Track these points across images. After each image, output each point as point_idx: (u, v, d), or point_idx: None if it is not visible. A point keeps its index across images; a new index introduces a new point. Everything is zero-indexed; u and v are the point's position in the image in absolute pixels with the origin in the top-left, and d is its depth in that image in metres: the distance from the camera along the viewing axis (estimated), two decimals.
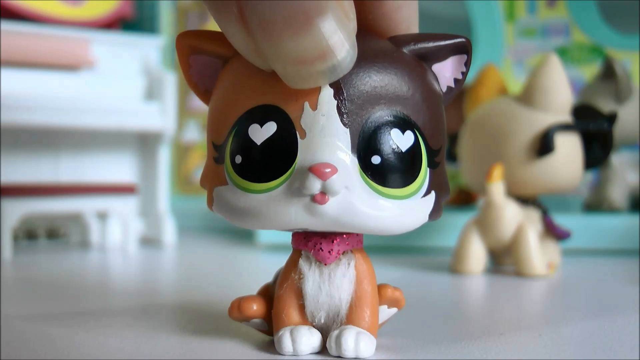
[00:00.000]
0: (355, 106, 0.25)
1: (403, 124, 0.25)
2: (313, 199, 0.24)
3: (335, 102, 0.25)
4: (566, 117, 0.52)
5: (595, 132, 0.52)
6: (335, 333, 0.26)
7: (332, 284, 0.27)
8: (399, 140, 0.25)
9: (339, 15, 0.22)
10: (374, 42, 0.26)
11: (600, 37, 0.89)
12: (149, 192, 0.74)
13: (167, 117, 0.70)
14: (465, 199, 0.82)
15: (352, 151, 0.25)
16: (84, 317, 0.35)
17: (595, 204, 0.71)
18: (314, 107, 0.25)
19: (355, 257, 0.28)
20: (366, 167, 0.25)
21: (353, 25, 0.23)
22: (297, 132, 0.25)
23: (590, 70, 0.87)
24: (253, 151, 0.25)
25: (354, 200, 0.25)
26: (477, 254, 0.51)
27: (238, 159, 0.25)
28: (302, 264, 0.28)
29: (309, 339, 0.27)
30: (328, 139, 0.25)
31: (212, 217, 0.86)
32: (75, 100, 0.65)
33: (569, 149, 0.51)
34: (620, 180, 0.71)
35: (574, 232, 0.55)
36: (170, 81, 0.70)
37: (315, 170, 0.24)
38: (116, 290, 0.46)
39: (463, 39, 0.27)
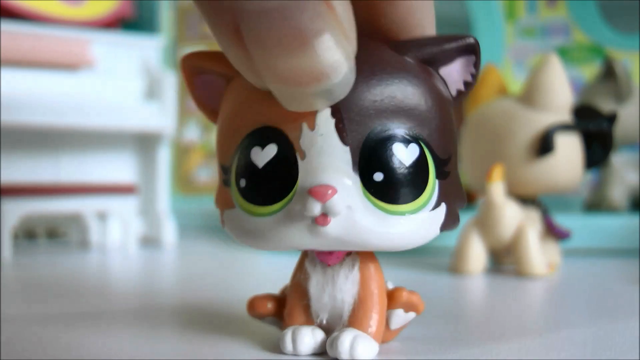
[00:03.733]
0: (354, 123, 0.24)
1: (406, 137, 0.25)
2: (314, 220, 0.24)
3: (333, 120, 0.24)
4: (566, 117, 0.52)
5: (595, 132, 0.52)
6: (334, 335, 0.26)
7: (335, 285, 0.27)
8: (402, 155, 0.24)
9: (338, 36, 0.21)
10: (373, 51, 0.25)
11: (600, 37, 0.89)
12: (149, 192, 0.74)
13: (166, 117, 0.70)
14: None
15: (354, 169, 0.24)
16: (83, 317, 0.35)
17: (595, 204, 0.72)
18: (312, 127, 0.24)
19: (360, 259, 0.27)
20: (369, 184, 0.24)
21: (353, 47, 0.23)
22: (297, 154, 0.24)
23: (590, 70, 0.87)
24: (255, 175, 0.25)
25: (357, 219, 0.24)
26: (477, 254, 0.51)
27: (242, 182, 0.25)
28: (308, 264, 0.28)
29: (310, 339, 0.27)
30: (327, 159, 0.24)
31: (212, 217, 0.86)
32: (75, 100, 0.65)
33: (569, 149, 0.51)
34: (620, 180, 0.71)
35: (574, 232, 0.55)
36: (170, 81, 0.70)
37: (315, 192, 0.24)
38: (116, 291, 0.46)
39: (471, 39, 0.26)
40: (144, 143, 0.75)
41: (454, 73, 0.26)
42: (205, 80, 0.28)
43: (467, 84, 0.27)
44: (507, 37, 0.92)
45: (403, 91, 0.25)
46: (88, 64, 0.68)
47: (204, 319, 0.34)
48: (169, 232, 0.72)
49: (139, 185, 0.74)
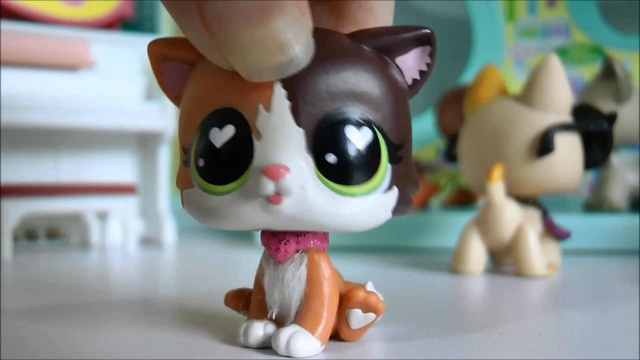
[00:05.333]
0: (309, 106, 0.25)
1: (359, 120, 0.25)
2: (268, 199, 0.25)
3: (289, 102, 0.25)
4: (566, 117, 0.52)
5: (595, 132, 0.52)
6: (278, 329, 0.27)
7: (283, 282, 0.28)
8: (355, 137, 0.25)
9: (295, 12, 0.23)
10: (329, 38, 0.26)
11: (600, 37, 0.89)
12: (149, 192, 0.74)
13: (167, 117, 0.70)
14: (465, 199, 0.82)
15: (308, 151, 0.25)
16: (84, 317, 0.35)
17: (595, 204, 0.72)
18: (268, 108, 0.25)
19: (308, 257, 0.28)
20: (321, 165, 0.25)
21: (308, 22, 0.24)
22: (252, 134, 0.25)
23: (590, 70, 0.87)
24: (213, 154, 0.26)
25: (310, 199, 0.25)
26: (477, 254, 0.51)
27: (200, 162, 0.26)
28: (263, 260, 0.29)
29: (259, 333, 0.28)
30: (281, 140, 0.25)
31: None
32: (75, 100, 0.65)
33: (569, 149, 0.51)
34: (620, 180, 0.71)
35: (574, 232, 0.55)
36: None
37: (268, 171, 0.24)
38: (116, 290, 0.46)
39: (426, 30, 0.27)
40: (144, 143, 0.75)
41: (409, 62, 0.27)
42: (171, 67, 0.28)
43: (422, 73, 0.28)
44: (507, 37, 0.92)
45: (357, 76, 0.26)
46: (88, 64, 0.68)
47: (203, 318, 0.34)
48: (169, 232, 0.72)
49: (139, 185, 0.74)
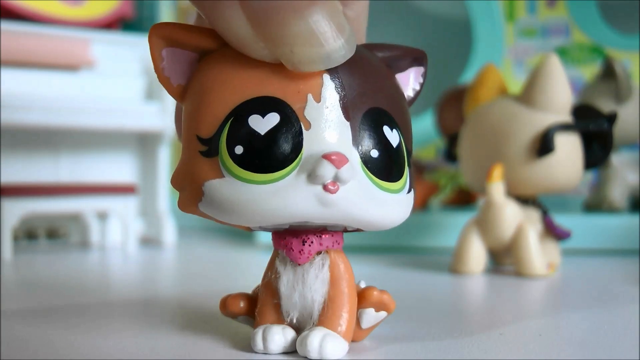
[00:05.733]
0: (357, 100, 0.25)
1: (391, 121, 0.26)
2: (324, 187, 0.24)
3: (337, 95, 0.25)
4: (566, 117, 0.52)
5: (595, 132, 0.52)
6: (304, 333, 0.27)
7: (305, 284, 0.27)
8: (390, 137, 0.26)
9: (336, 3, 0.24)
10: (357, 45, 0.27)
11: (600, 37, 0.89)
12: (149, 192, 0.75)
13: (167, 117, 0.70)
14: (465, 199, 0.82)
15: (354, 144, 0.25)
16: (83, 317, 0.35)
17: (595, 204, 0.71)
18: (318, 99, 0.25)
19: (330, 258, 0.27)
20: (366, 160, 0.25)
21: (345, 20, 0.25)
22: (301, 123, 0.25)
23: (590, 70, 0.87)
24: (256, 141, 0.24)
25: (359, 192, 0.25)
26: (477, 254, 0.51)
27: (239, 149, 0.25)
28: (278, 263, 0.28)
29: (280, 338, 0.27)
30: (332, 131, 0.25)
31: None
32: (75, 100, 0.65)
33: (569, 149, 0.51)
34: (620, 180, 0.71)
35: (574, 232, 0.55)
36: None
37: (330, 157, 0.24)
38: (116, 290, 0.46)
39: (421, 51, 0.29)
40: (144, 143, 0.75)
41: (405, 80, 0.29)
42: (173, 54, 0.26)
43: (415, 92, 0.29)
44: (507, 37, 0.92)
45: (387, 81, 0.27)
46: (88, 64, 0.68)
47: (203, 319, 0.34)
48: (169, 232, 0.72)
49: (139, 185, 0.74)
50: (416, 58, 0.29)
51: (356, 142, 0.25)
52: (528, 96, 0.52)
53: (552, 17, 0.91)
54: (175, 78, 0.27)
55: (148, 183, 0.75)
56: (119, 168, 0.74)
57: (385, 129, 0.26)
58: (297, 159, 0.25)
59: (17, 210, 0.61)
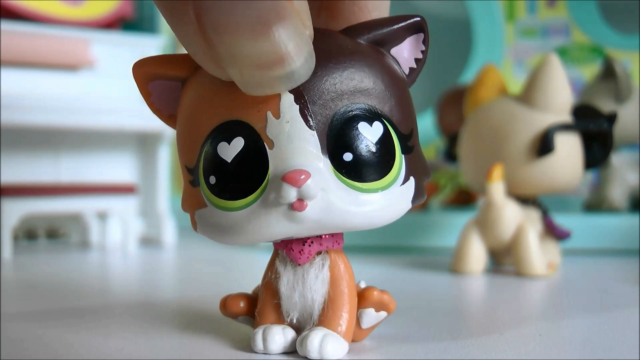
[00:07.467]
0: (318, 107, 0.25)
1: (369, 115, 0.25)
2: (291, 207, 0.24)
3: (297, 106, 0.24)
4: (566, 117, 0.52)
5: (595, 132, 0.52)
6: (304, 333, 0.27)
7: (305, 284, 0.27)
8: (368, 133, 0.25)
9: (296, 23, 0.22)
10: (328, 38, 0.26)
11: (600, 37, 0.89)
12: (149, 192, 0.75)
13: None
14: (465, 199, 0.82)
15: (323, 152, 0.25)
16: (83, 318, 0.35)
17: (595, 204, 0.71)
18: (277, 115, 0.24)
19: (330, 258, 0.27)
20: (339, 165, 0.25)
21: (310, 33, 0.23)
22: (264, 143, 0.24)
23: (590, 70, 0.87)
24: (225, 169, 0.25)
25: (333, 200, 0.24)
26: (477, 254, 0.51)
27: (212, 179, 0.25)
28: (278, 263, 0.28)
29: (280, 338, 0.27)
30: (296, 145, 0.24)
31: None
32: (75, 100, 0.65)
33: (569, 149, 0.51)
34: (620, 180, 0.71)
35: (574, 232, 0.55)
36: None
37: (289, 178, 0.24)
38: (116, 291, 0.46)
39: (417, 18, 0.27)
40: (144, 143, 0.75)
41: (404, 52, 0.27)
42: (159, 86, 0.27)
43: (417, 61, 0.28)
44: (507, 37, 0.92)
45: (360, 72, 0.25)
46: (88, 64, 0.68)
47: (203, 318, 0.34)
48: (168, 232, 0.72)
49: (139, 185, 0.74)
50: (411, 26, 0.27)
51: (325, 149, 0.25)
52: (528, 96, 0.52)
53: (552, 17, 0.91)
54: (166, 109, 0.28)
55: (148, 183, 0.75)
56: (119, 168, 0.75)
57: (362, 125, 0.25)
58: (265, 180, 0.24)
59: (17, 210, 0.61)
